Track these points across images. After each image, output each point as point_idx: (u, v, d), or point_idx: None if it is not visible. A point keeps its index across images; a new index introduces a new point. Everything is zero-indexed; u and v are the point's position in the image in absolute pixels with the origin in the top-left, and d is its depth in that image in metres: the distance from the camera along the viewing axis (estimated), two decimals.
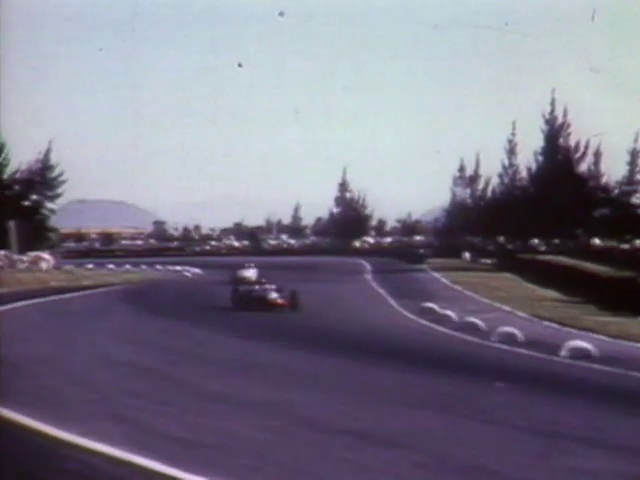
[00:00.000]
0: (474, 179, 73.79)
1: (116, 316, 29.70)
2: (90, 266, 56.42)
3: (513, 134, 69.66)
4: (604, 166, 67.36)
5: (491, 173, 72.65)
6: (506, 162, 70.14)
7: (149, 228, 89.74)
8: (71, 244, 77.45)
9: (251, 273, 43.33)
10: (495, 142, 73.39)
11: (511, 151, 70.01)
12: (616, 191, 66.85)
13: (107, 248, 79.00)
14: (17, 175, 63.47)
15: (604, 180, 67.47)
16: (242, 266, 44.72)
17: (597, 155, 67.45)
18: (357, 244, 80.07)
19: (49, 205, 64.30)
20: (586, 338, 23.89)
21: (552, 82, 68.82)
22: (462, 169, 74.14)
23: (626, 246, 63.83)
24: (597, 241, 65.95)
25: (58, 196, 64.76)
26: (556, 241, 64.76)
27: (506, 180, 70.49)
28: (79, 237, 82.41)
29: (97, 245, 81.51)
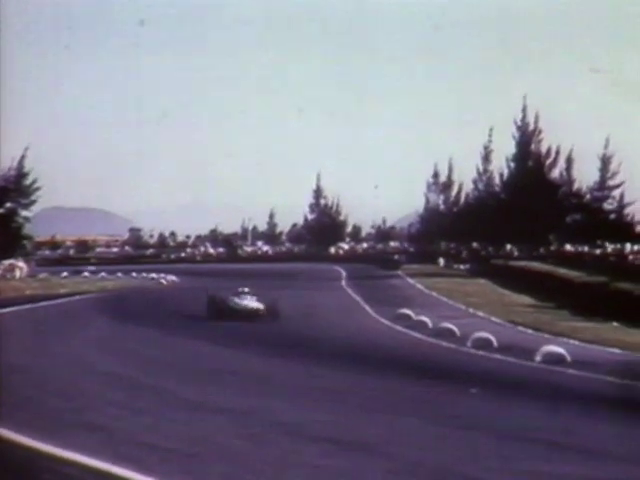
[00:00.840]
0: (448, 185, 74.11)
1: (92, 325, 29.60)
2: (65, 274, 56.14)
3: (490, 141, 70.04)
4: (576, 172, 67.90)
5: (464, 179, 72.99)
6: (481, 168, 70.53)
7: (125, 235, 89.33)
8: (46, 252, 77.03)
9: (252, 302, 31.42)
10: (471, 147, 73.67)
11: (486, 157, 70.39)
12: (588, 197, 67.39)
13: (82, 256, 78.60)
14: None
15: (576, 186, 68.02)
16: (231, 290, 32.39)
17: (569, 161, 67.98)
18: (332, 250, 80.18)
19: (24, 213, 63.87)
20: (561, 343, 24.13)
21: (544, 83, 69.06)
22: (436, 175, 74.49)
23: (598, 251, 64.44)
24: (569, 246, 66.51)
25: (32, 203, 64.35)
26: (530, 246, 65.26)
27: (480, 186, 70.85)
28: (54, 245, 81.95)
29: (72, 252, 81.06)
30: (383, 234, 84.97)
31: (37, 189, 63.91)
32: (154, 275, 55.10)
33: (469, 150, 71.17)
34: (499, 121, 69.74)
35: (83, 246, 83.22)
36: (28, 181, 63.74)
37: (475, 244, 70.76)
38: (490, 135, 70.00)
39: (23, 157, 63.76)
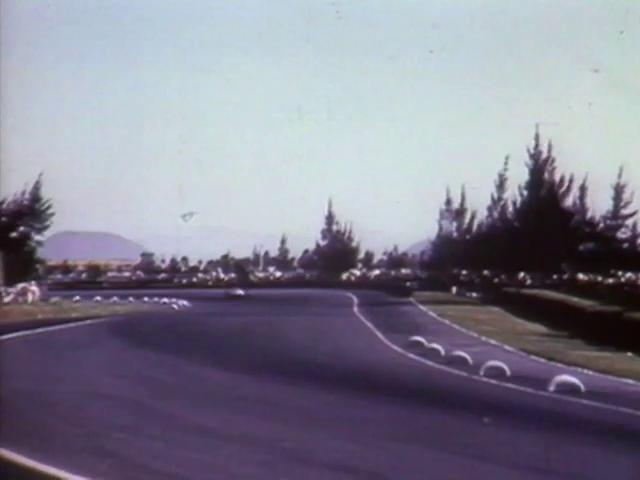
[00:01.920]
0: (460, 212, 74.11)
1: (103, 349, 29.59)
2: (77, 298, 56.24)
3: (505, 169, 69.95)
4: (589, 201, 67.80)
5: (478, 206, 72.99)
6: (495, 196, 70.47)
7: (136, 260, 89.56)
8: (58, 276, 77.28)
9: None
10: (485, 174, 73.71)
11: (500, 185, 70.32)
12: (601, 226, 67.21)
13: (94, 280, 78.79)
14: (4, 206, 63.39)
15: (589, 214, 67.88)
16: None
17: (582, 189, 67.90)
18: (344, 277, 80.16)
19: (36, 237, 64.16)
20: (574, 373, 23.93)
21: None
22: (449, 202, 74.52)
23: (611, 280, 64.17)
24: (582, 275, 66.28)
25: (46, 228, 64.65)
26: (542, 275, 65.07)
27: (495, 214, 70.77)
28: (66, 269, 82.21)
29: (84, 277, 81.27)
30: (395, 261, 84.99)
31: (52, 214, 64.25)
32: (165, 300, 55.17)
33: (482, 177, 71.20)
34: (513, 148, 69.72)
35: (95, 270, 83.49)
36: (43, 206, 64.13)
37: (487, 272, 70.59)
38: (506, 163, 69.96)
39: (38, 182, 64.19)
